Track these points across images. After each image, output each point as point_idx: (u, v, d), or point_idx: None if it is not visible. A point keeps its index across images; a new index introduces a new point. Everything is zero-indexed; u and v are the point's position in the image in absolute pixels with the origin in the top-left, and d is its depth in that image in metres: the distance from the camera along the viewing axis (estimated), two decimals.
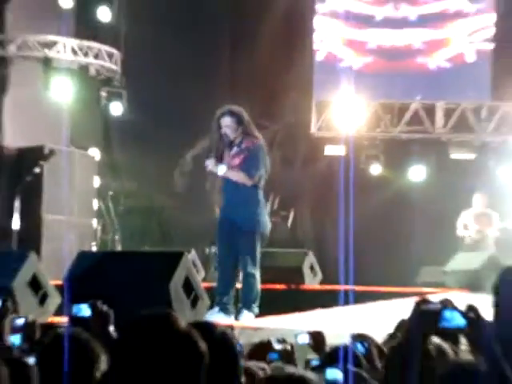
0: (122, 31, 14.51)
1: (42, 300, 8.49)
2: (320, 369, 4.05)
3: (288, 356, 5.14)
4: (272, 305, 8.78)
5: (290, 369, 4.25)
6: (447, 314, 3.18)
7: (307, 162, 15.62)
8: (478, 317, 3.18)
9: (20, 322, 5.52)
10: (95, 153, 14.60)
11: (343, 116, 15.03)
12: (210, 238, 11.94)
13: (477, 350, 3.14)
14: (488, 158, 14.89)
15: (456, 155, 15.08)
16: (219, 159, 8.26)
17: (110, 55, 14.68)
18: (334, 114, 15.19)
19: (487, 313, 3.39)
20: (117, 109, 14.67)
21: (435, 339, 3.49)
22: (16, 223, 11.65)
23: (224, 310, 8.21)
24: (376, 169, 15.26)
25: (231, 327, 4.85)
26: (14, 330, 5.48)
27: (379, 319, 7.17)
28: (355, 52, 15.52)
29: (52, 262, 10.77)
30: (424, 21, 15.29)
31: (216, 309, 8.18)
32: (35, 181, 12.34)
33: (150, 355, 2.28)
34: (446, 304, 3.32)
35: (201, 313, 7.85)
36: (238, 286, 8.45)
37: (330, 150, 15.06)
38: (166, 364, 2.27)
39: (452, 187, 14.26)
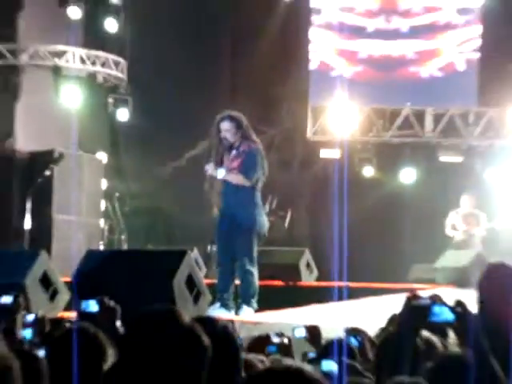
0: (128, 41, 14.52)
1: (53, 296, 8.49)
2: (316, 361, 4.05)
3: (286, 349, 5.14)
4: (270, 300, 8.77)
5: (287, 361, 4.25)
6: (436, 308, 3.18)
7: (304, 164, 15.62)
8: (466, 311, 3.18)
9: (30, 317, 5.52)
10: (102, 156, 14.60)
11: (337, 121, 15.04)
12: (211, 237, 11.92)
13: (464, 343, 3.14)
14: (475, 161, 14.89)
15: (444, 158, 15.09)
16: (219, 162, 8.27)
17: (117, 64, 14.68)
18: (329, 120, 15.19)
19: (474, 307, 3.39)
20: (123, 115, 14.68)
21: (425, 333, 3.50)
22: (28, 223, 11.64)
23: (225, 305, 8.21)
24: (369, 171, 15.27)
25: (232, 322, 4.85)
26: (25, 325, 5.48)
27: (372, 314, 7.17)
28: (347, 61, 15.54)
29: (62, 260, 10.77)
30: (415, 32, 15.31)
31: (217, 304, 8.19)
32: (46, 183, 12.34)
33: (156, 349, 2.28)
34: (435, 299, 3.32)
35: (203, 308, 7.85)
36: (237, 282, 8.45)
37: (325, 154, 15.07)
38: (171, 357, 2.27)
39: (441, 188, 14.27)
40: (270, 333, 5.37)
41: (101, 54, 14.45)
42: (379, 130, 15.31)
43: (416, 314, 3.20)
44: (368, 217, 13.64)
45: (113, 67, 14.63)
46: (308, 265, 12.13)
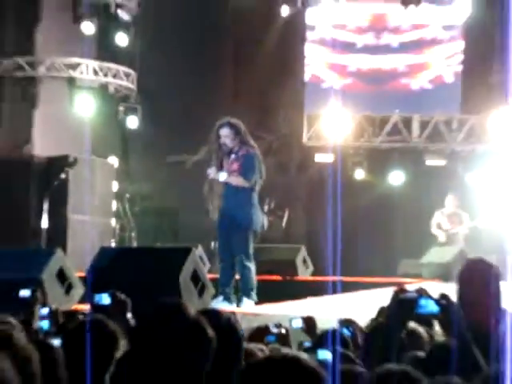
0: (138, 54, 14.53)
1: (68, 290, 8.49)
2: (312, 350, 4.05)
3: (283, 339, 5.14)
4: (269, 294, 8.77)
5: (285, 350, 4.25)
6: (422, 301, 3.18)
7: (300, 168, 15.62)
8: (450, 304, 3.19)
9: (45, 311, 5.52)
10: (114, 160, 14.60)
11: (331, 128, 15.04)
12: (215, 235, 11.92)
13: (448, 333, 3.15)
14: (458, 165, 14.89)
15: (430, 162, 15.09)
16: (219, 166, 8.28)
17: (127, 75, 14.69)
18: (323, 126, 15.19)
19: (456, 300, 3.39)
20: (133, 122, 14.68)
21: (412, 324, 3.50)
22: (45, 223, 11.64)
23: (227, 298, 8.22)
24: (360, 174, 15.26)
25: (234, 314, 4.85)
26: (41, 317, 5.48)
27: (363, 306, 7.16)
28: (337, 74, 15.57)
29: (76, 257, 10.77)
30: (405, 47, 15.34)
31: (220, 298, 8.19)
32: (61, 185, 12.34)
33: (164, 340, 2.28)
34: (421, 293, 3.33)
35: (207, 301, 7.85)
36: (237, 277, 8.45)
37: (319, 158, 15.07)
38: (178, 348, 2.27)
39: (427, 190, 14.27)
40: (269, 324, 5.37)
41: (112, 66, 14.46)
42: (370, 135, 15.31)
43: (403, 306, 3.20)
44: (360, 216, 13.66)
45: (123, 78, 14.63)
46: (304, 261, 12.12)
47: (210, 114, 9.26)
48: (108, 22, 14.29)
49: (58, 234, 12.16)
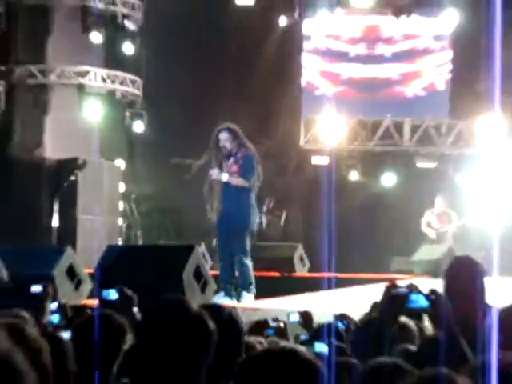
0: (143, 62, 14.53)
1: (77, 286, 8.49)
2: (308, 343, 4.05)
3: (281, 332, 5.14)
4: (268, 289, 8.77)
5: (283, 343, 4.26)
6: (413, 296, 3.19)
7: (297, 170, 15.63)
8: (439, 298, 3.19)
9: (54, 305, 5.52)
10: (120, 163, 14.61)
11: (327, 132, 15.04)
12: (216, 233, 11.93)
13: (437, 326, 3.15)
14: (447, 167, 14.90)
15: (420, 164, 15.09)
16: (219, 168, 8.31)
17: (133, 82, 14.70)
18: (319, 131, 15.19)
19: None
20: (138, 127, 14.69)
21: (403, 318, 3.50)
22: (55, 222, 11.65)
23: (228, 294, 8.22)
24: (354, 176, 15.26)
25: (234, 308, 4.85)
26: (52, 311, 5.48)
27: (357, 301, 7.17)
28: (330, 82, 15.59)
29: (85, 254, 10.77)
30: (398, 57, 15.35)
31: (221, 293, 8.19)
32: (71, 187, 12.35)
33: (168, 334, 2.29)
34: (412, 288, 3.33)
35: (209, 296, 7.85)
36: (237, 274, 8.47)
37: (316, 160, 15.07)
38: (181, 340, 2.28)
39: (417, 191, 14.27)
40: (267, 318, 5.38)
41: (119, 73, 14.47)
42: (363, 139, 15.31)
43: (395, 301, 3.21)
44: (354, 216, 13.65)
45: (130, 85, 14.64)
46: (301, 258, 12.12)
47: (211, 119, 9.27)
48: (115, 31, 14.30)
49: (68, 233, 12.17)
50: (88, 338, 3.10)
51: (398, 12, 14.81)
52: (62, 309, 5.58)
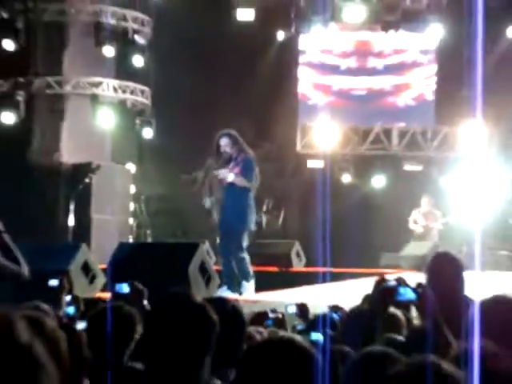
0: (152, 73, 14.53)
1: (92, 280, 8.49)
2: (305, 332, 4.05)
3: (280, 323, 5.14)
4: (267, 283, 8.77)
5: (281, 332, 4.26)
6: (401, 289, 3.19)
7: (294, 173, 15.62)
8: (425, 292, 3.19)
9: (68, 298, 5.52)
10: (131, 167, 14.60)
11: (321, 137, 15.05)
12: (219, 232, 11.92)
13: (424, 317, 3.15)
14: (432, 170, 14.89)
15: (408, 167, 15.09)
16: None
17: (143, 92, 14.70)
18: (315, 136, 15.20)
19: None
20: (148, 133, 14.68)
21: (392, 309, 3.50)
22: (71, 221, 11.65)
23: (230, 288, 8.23)
24: (347, 178, 15.26)
25: (237, 301, 4.85)
26: (68, 303, 5.48)
27: (349, 294, 7.17)
28: (322, 93, 15.61)
29: (99, 251, 10.77)
30: (389, 69, 15.36)
31: (224, 287, 8.20)
32: (86, 189, 12.35)
33: (174, 324, 2.29)
34: (400, 282, 3.34)
35: (213, 290, 7.84)
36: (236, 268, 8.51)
37: (311, 164, 15.07)
38: (186, 330, 2.28)
39: (405, 192, 14.26)
40: (267, 309, 5.38)
41: (130, 84, 14.47)
42: (355, 144, 15.31)
43: (385, 293, 3.21)
44: (346, 215, 13.63)
45: (139, 95, 14.64)
46: (298, 254, 12.12)
47: (214, 125, 9.27)
48: (126, 45, 14.30)
49: (83, 231, 12.17)
50: (101, 329, 3.10)
51: (386, 27, 14.80)
52: (75, 301, 5.58)
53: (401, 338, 3.15)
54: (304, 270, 11.62)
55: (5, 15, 13.71)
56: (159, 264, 7.62)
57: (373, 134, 15.23)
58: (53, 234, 12.21)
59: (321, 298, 7.34)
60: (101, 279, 8.50)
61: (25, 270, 3.54)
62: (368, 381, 2.08)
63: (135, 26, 14.36)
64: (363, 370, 2.20)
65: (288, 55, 15.48)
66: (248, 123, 13.07)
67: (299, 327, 4.80)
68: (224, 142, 8.32)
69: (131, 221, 14.36)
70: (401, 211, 13.63)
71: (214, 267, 8.41)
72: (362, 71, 15.50)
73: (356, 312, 3.56)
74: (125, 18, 14.30)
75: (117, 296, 4.81)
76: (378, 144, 15.26)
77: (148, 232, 14.71)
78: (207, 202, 8.68)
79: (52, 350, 0.97)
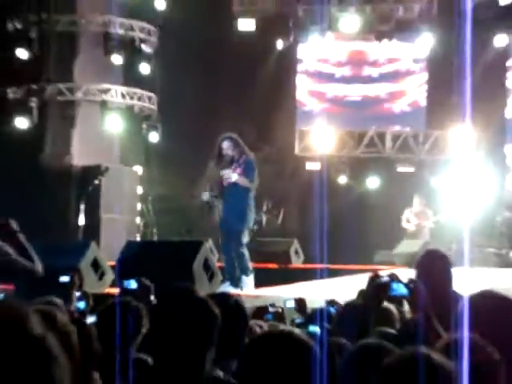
0: (158, 81, 14.54)
1: (101, 276, 8.49)
2: (303, 325, 4.06)
3: (279, 316, 5.14)
4: (267, 279, 8.77)
5: (281, 326, 4.26)
6: (394, 285, 3.19)
7: (293, 174, 15.61)
8: (417, 286, 3.19)
9: (78, 293, 5.53)
10: (138, 169, 14.61)
11: (319, 141, 15.05)
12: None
13: (415, 311, 3.15)
14: (424, 171, 14.89)
15: (401, 169, 15.08)
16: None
17: (149, 98, 14.70)
18: (312, 140, 15.20)
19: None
20: (154, 137, 14.69)
21: (386, 304, 3.50)
22: (82, 221, 11.65)
23: (232, 283, 8.23)
24: (343, 179, 15.26)
25: (239, 296, 4.85)
26: (78, 298, 5.48)
27: (345, 289, 7.17)
28: (317, 100, 15.62)
29: (108, 249, 10.77)
30: (384, 77, 15.35)
31: (227, 283, 8.20)
32: (95, 190, 12.35)
33: (178, 317, 2.29)
34: (393, 278, 3.34)
35: (216, 285, 7.85)
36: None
37: (309, 166, 15.07)
38: (189, 323, 2.28)
39: (398, 192, 14.26)
40: (267, 304, 5.37)
41: (137, 90, 14.48)
42: (350, 147, 15.31)
43: (378, 289, 3.21)
44: (342, 214, 13.62)
45: (146, 101, 14.65)
46: (296, 251, 12.12)
47: (217, 130, 9.27)
48: (133, 54, 14.31)
49: (93, 230, 12.18)
50: (110, 323, 3.10)
51: (380, 37, 14.82)
52: (85, 296, 5.58)
53: (392, 331, 3.15)
54: (302, 266, 11.61)
55: (19, 26, 13.72)
56: (165, 261, 7.63)
57: (367, 138, 15.23)
58: (64, 233, 12.22)
59: (318, 293, 7.34)
60: (109, 275, 8.50)
61: (38, 267, 3.54)
62: (364, 371, 2.08)
63: (142, 36, 14.36)
64: (359, 361, 2.20)
65: (287, 63, 15.49)
66: (249, 127, 13.07)
67: (298, 321, 4.80)
68: (226, 145, 8.35)
69: (138, 220, 14.36)
70: (394, 211, 13.63)
71: (217, 264, 8.41)
72: (356, 79, 15.50)
73: (350, 306, 3.57)
74: (132, 28, 14.31)
75: (125, 291, 4.81)
76: (372, 147, 15.25)
77: (154, 231, 14.71)
78: (205, 196, 8.70)
79: (63, 343, 0.97)
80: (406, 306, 3.58)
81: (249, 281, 8.26)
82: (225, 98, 14.66)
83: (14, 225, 3.49)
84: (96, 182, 12.17)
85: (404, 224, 13.37)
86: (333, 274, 9.13)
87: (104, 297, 5.81)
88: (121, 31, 14.04)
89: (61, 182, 13.02)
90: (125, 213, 13.47)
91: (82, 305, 5.37)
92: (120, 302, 3.38)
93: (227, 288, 7.93)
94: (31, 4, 13.61)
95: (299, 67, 15.65)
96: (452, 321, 2.42)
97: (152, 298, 4.61)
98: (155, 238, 14.39)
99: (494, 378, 1.95)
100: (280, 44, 15.36)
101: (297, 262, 11.93)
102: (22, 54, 13.60)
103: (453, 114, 13.50)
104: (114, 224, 13.01)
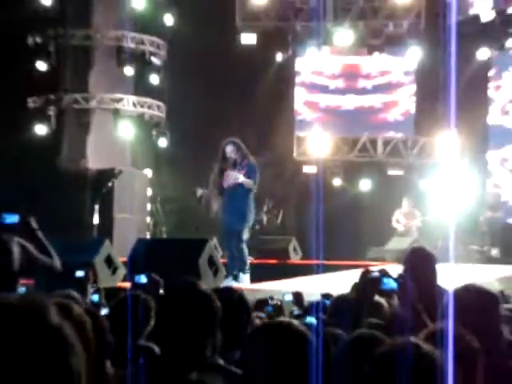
0: (166, 91, 14.55)
1: (114, 271, 8.50)
2: (300, 317, 4.05)
3: (279, 309, 5.14)
4: (267, 274, 8.77)
5: (280, 317, 4.25)
6: (385, 280, 3.19)
7: (291, 177, 15.61)
8: (406, 281, 3.19)
9: (93, 287, 5.53)
10: (148, 172, 14.62)
11: (315, 146, 15.05)
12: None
13: (404, 304, 3.15)
14: (412, 174, 14.89)
15: (391, 172, 15.07)
16: (222, 175, 8.44)
17: (158, 107, 14.71)
18: (309, 145, 15.21)
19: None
20: (163, 143, 14.70)
21: (377, 297, 3.50)
22: (96, 220, 11.65)
23: (235, 278, 8.23)
24: (337, 182, 15.25)
25: (242, 290, 4.85)
26: (92, 292, 5.49)
27: (340, 283, 7.17)
28: (310, 109, 15.62)
29: (120, 246, 10.77)
30: (378, 89, 15.34)
31: (230, 278, 8.20)
32: (109, 191, 12.35)
33: (182, 307, 2.30)
34: (384, 273, 3.34)
35: (220, 280, 7.85)
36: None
37: (306, 169, 15.07)
38: (193, 314, 2.28)
39: (389, 194, 14.26)
40: (267, 297, 5.37)
41: (147, 100, 14.49)
42: (344, 152, 15.31)
43: (370, 283, 3.21)
44: (337, 214, 13.62)
45: (155, 109, 14.66)
46: (295, 248, 12.12)
47: (221, 136, 9.28)
48: (144, 66, 14.33)
49: (106, 229, 12.18)
50: (122, 315, 3.10)
51: (371, 50, 14.86)
52: (99, 290, 5.58)
53: (381, 322, 3.14)
54: (300, 262, 11.60)
55: (38, 40, 13.76)
56: (173, 257, 7.63)
57: (360, 143, 15.24)
58: (80, 232, 12.22)
59: (314, 287, 7.34)
60: (122, 271, 8.50)
61: (57, 263, 3.55)
62: (358, 360, 2.08)
63: (152, 49, 14.38)
64: (353, 350, 2.20)
65: (285, 75, 15.50)
66: (251, 134, 13.08)
67: (296, 313, 4.80)
68: (229, 149, 8.37)
69: (148, 219, 14.36)
70: (385, 211, 13.62)
71: (221, 260, 8.41)
72: (349, 91, 15.50)
73: (342, 298, 3.57)
74: (143, 42, 14.32)
75: (136, 285, 4.81)
76: (364, 152, 15.26)
77: (163, 229, 14.72)
78: (198, 192, 8.74)
79: (79, 333, 0.98)
80: (396, 300, 3.58)
81: (245, 277, 8.26)
82: (228, 107, 14.67)
83: (34, 223, 3.49)
84: (109, 184, 12.17)
85: (394, 223, 13.37)
86: (328, 269, 9.13)
87: (116, 290, 5.81)
88: (132, 45, 14.06)
89: (77, 185, 13.04)
90: (136, 213, 13.47)
91: (95, 298, 5.37)
92: (130, 296, 3.38)
93: (230, 282, 7.93)
94: (49, 20, 13.64)
95: (296, 79, 15.66)
96: (438, 312, 2.42)
97: (161, 291, 4.61)
98: (164, 236, 14.39)
99: (474, 365, 1.96)
100: (279, 57, 15.37)
101: (295, 258, 11.92)
102: (41, 66, 13.64)
103: (439, 121, 13.51)
104: (126, 223, 13.02)
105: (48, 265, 3.51)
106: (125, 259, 8.50)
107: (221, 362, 2.33)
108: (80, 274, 5.61)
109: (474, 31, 13.74)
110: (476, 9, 14.12)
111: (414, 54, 14.79)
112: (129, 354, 2.64)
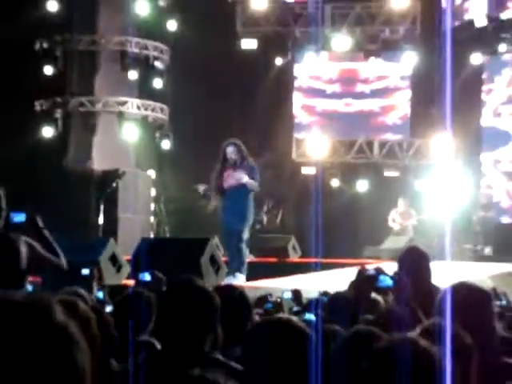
0: (169, 94, 14.55)
1: (118, 269, 8.49)
2: (299, 314, 4.05)
3: (278, 306, 5.13)
4: (267, 272, 8.76)
5: (279, 314, 4.25)
6: (381, 277, 3.19)
7: (290, 178, 15.61)
8: (401, 279, 3.19)
9: (98, 285, 5.53)
10: (152, 173, 14.61)
11: (314, 148, 15.05)
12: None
13: (399, 301, 3.15)
14: (408, 175, 14.89)
15: (387, 173, 15.07)
16: (222, 175, 8.44)
17: (162, 109, 14.71)
18: (308, 147, 15.20)
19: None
20: (166, 144, 14.69)
21: (373, 294, 3.50)
22: (101, 220, 11.65)
23: (235, 276, 8.22)
24: (335, 183, 15.25)
25: (243, 287, 4.84)
26: (97, 289, 5.48)
27: (337, 281, 7.16)
28: (306, 113, 15.62)
29: (124, 245, 10.76)
30: (376, 93, 15.33)
31: (231, 276, 8.19)
32: (113, 192, 12.36)
33: (183, 303, 2.30)
34: (380, 271, 3.33)
35: (221, 278, 7.85)
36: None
37: (305, 170, 15.07)
38: (193, 310, 2.28)
39: (385, 194, 14.26)
40: (267, 294, 5.37)
41: (151, 103, 14.49)
42: (342, 154, 15.30)
43: (367, 281, 3.21)
44: (335, 214, 13.61)
45: (159, 112, 14.66)
46: (294, 247, 12.11)
47: (223, 138, 9.28)
48: (147, 70, 14.33)
49: (111, 228, 12.18)
50: (126, 311, 3.10)
51: (368, 55, 14.87)
52: (103, 288, 5.58)
53: (378, 318, 3.14)
54: (299, 260, 11.60)
55: (45, 45, 13.78)
56: (176, 256, 7.63)
57: (357, 145, 15.23)
58: (86, 231, 12.22)
59: (313, 284, 7.33)
60: (126, 269, 8.50)
61: (63, 261, 3.55)
62: (356, 355, 2.08)
63: (155, 54, 14.39)
64: (352, 345, 2.20)
65: (285, 79, 15.50)
66: (252, 136, 13.07)
67: (295, 309, 4.79)
68: (230, 150, 8.37)
69: (152, 219, 14.36)
70: (381, 211, 13.62)
71: (223, 259, 8.40)
72: (346, 95, 15.48)
73: (338, 296, 3.56)
74: (146, 47, 14.33)
75: (140, 283, 4.81)
76: (361, 154, 15.25)
77: (166, 229, 14.72)
78: (200, 188, 8.75)
79: (84, 329, 0.97)
80: (392, 297, 3.58)
81: (241, 277, 8.24)
82: (229, 109, 14.67)
83: (40, 222, 3.49)
84: (114, 184, 12.17)
85: (390, 223, 13.37)
86: (326, 267, 9.12)
87: (121, 288, 5.81)
88: (136, 50, 14.07)
89: (82, 185, 13.04)
90: (140, 212, 13.47)
91: (100, 295, 5.37)
92: (133, 293, 3.38)
93: (231, 280, 7.93)
94: (56, 26, 13.65)
95: (294, 83, 15.66)
96: (433, 308, 2.42)
97: (164, 289, 4.60)
98: (167, 236, 14.39)
99: (469, 361, 1.95)
100: (279, 61, 15.38)
101: (294, 257, 11.92)
102: (48, 70, 13.66)
103: (434, 124, 13.51)
104: (130, 223, 13.02)
105: (54, 263, 3.51)
106: (129, 258, 8.49)
107: (220, 357, 2.33)
108: (86, 271, 5.61)
109: (469, 37, 13.74)
110: (471, 14, 14.12)
111: (410, 59, 14.79)
112: (130, 349, 2.64)
